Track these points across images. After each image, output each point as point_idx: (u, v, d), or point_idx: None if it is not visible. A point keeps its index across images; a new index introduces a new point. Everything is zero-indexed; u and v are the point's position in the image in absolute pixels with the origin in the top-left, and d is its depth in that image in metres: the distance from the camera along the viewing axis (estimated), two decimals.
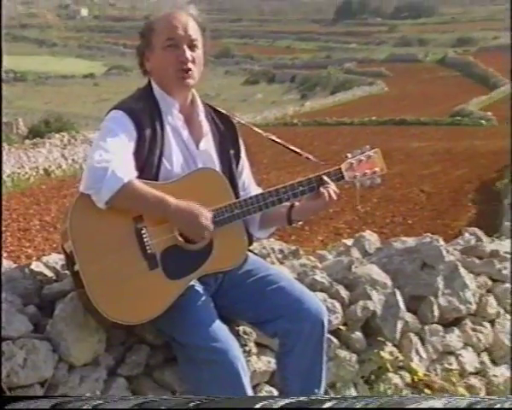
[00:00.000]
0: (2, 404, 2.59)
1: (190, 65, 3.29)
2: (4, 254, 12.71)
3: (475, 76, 73.81)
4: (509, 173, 20.74)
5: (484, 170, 24.25)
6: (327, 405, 2.44)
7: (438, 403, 2.35)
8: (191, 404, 2.53)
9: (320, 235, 14.01)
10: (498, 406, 2.30)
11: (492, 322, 4.41)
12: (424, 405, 2.35)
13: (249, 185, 3.54)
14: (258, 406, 2.44)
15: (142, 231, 3.13)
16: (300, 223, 3.50)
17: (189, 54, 3.29)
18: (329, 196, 3.35)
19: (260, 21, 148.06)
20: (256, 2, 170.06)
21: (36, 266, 3.43)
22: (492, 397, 3.69)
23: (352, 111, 50.33)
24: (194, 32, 3.32)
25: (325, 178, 3.39)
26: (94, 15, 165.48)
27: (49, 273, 3.40)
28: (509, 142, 25.34)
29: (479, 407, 2.31)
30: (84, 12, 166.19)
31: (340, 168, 3.44)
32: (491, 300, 4.43)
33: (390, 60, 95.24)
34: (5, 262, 3.50)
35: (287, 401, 2.56)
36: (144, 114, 3.26)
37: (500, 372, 4.35)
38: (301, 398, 2.70)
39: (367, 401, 2.53)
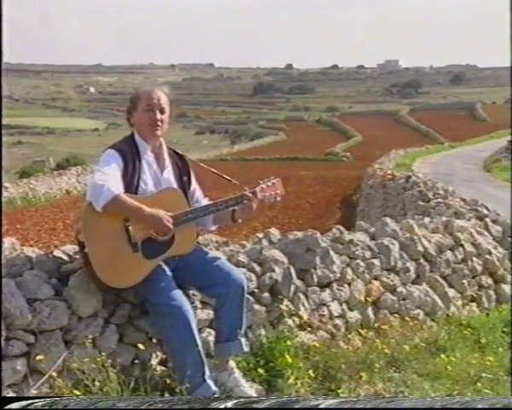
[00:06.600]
0: (2, 404, 2.25)
1: (159, 123, 3.27)
2: (40, 245, 12.45)
3: (339, 131, 74.61)
4: (360, 191, 21.15)
5: (345, 189, 24.68)
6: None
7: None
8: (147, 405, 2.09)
9: (244, 231, 13.96)
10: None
11: (349, 284, 4.44)
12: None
13: (202, 200, 3.48)
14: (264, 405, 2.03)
15: (129, 228, 3.08)
16: (240, 220, 3.45)
17: (159, 116, 3.26)
18: (250, 207, 3.37)
19: (205, 95, 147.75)
20: (202, 83, 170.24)
21: (57, 252, 3.34)
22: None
23: (264, 152, 50.48)
24: (164, 102, 3.29)
25: (246, 196, 3.39)
26: (98, 91, 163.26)
27: (65, 257, 3.30)
28: (359, 171, 25.83)
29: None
30: (92, 89, 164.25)
31: (255, 190, 3.43)
32: (349, 271, 4.45)
33: (287, 120, 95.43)
34: (37, 250, 3.40)
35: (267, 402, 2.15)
36: (128, 152, 3.21)
37: (353, 315, 4.37)
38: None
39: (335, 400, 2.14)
